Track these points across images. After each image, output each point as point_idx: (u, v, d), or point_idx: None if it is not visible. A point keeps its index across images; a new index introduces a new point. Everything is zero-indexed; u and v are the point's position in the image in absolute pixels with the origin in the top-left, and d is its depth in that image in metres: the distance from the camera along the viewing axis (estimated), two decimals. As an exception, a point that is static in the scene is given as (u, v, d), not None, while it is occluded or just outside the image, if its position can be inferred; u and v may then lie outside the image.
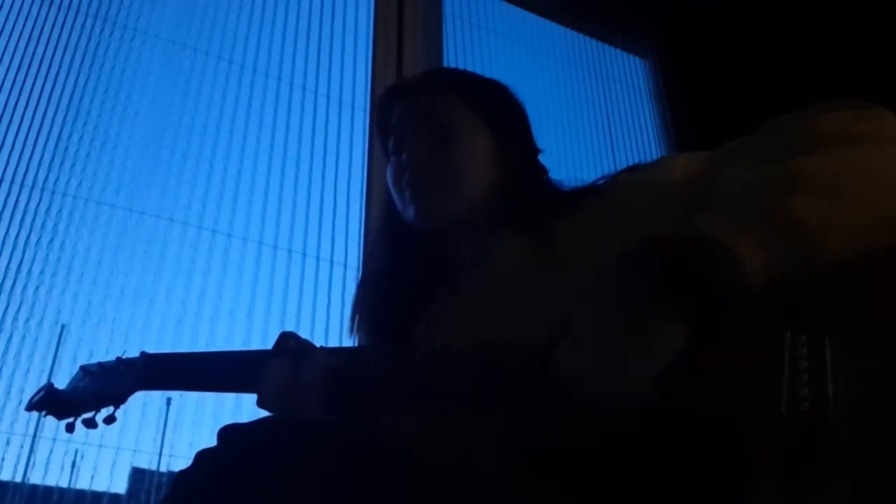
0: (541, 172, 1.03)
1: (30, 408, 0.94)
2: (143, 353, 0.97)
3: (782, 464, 0.62)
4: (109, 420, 0.93)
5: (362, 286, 1.06)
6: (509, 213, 0.96)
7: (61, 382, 0.98)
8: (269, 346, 0.94)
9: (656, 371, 0.66)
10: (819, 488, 0.60)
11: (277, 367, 0.87)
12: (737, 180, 0.72)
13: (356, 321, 1.04)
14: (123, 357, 0.97)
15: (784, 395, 0.64)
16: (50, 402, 0.94)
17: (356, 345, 1.03)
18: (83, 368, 0.99)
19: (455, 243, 1.00)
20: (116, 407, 0.93)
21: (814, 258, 0.65)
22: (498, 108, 1.03)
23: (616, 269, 0.69)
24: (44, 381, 0.98)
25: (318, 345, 0.93)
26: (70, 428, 0.93)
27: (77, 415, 0.93)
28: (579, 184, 0.99)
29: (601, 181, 0.95)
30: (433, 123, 0.99)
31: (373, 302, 1.03)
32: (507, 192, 0.97)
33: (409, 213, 0.98)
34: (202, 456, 0.73)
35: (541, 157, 1.05)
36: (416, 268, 1.02)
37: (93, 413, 0.93)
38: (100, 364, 0.99)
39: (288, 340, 0.91)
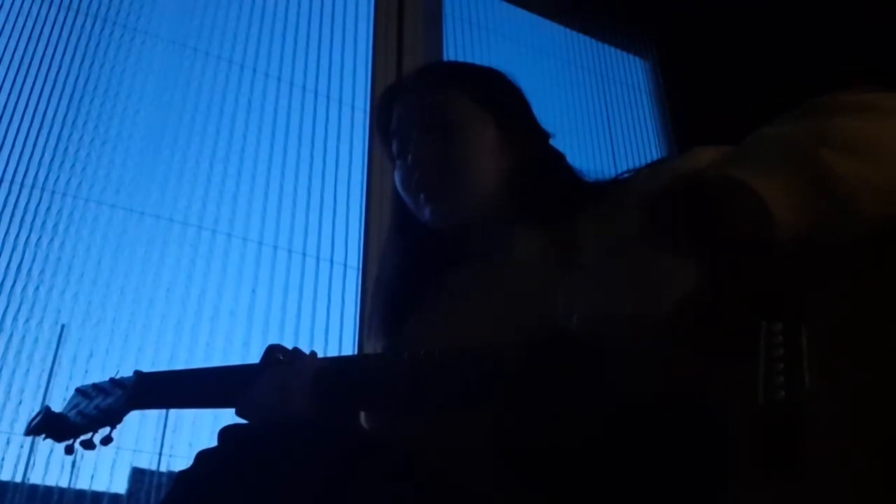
0: (556, 158, 1.01)
1: (28, 432, 0.95)
2: (136, 373, 0.97)
3: (760, 453, 0.61)
4: (107, 441, 0.94)
5: (377, 290, 1.06)
6: (525, 205, 0.94)
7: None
8: (266, 347, 0.94)
9: (664, 307, 0.65)
10: (796, 477, 0.60)
11: (266, 378, 0.88)
12: (768, 136, 0.71)
13: (372, 325, 1.03)
14: (117, 377, 0.98)
15: (760, 384, 0.63)
16: (48, 425, 0.94)
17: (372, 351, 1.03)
18: (78, 390, 1.00)
19: (471, 238, 0.98)
20: (113, 427, 0.94)
21: (846, 212, 0.63)
22: (500, 97, 1.01)
23: (636, 207, 0.69)
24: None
25: (312, 348, 0.94)
26: (69, 450, 0.94)
27: (75, 437, 0.94)
28: (600, 177, 0.98)
29: (625, 174, 0.94)
30: (437, 121, 0.97)
31: (388, 304, 1.02)
32: (520, 183, 0.96)
33: (425, 214, 0.96)
34: (203, 456, 0.73)
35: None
36: (432, 267, 1.01)
37: (90, 434, 0.94)
38: (94, 385, 0.99)
39: (275, 353, 0.91)
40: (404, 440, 0.86)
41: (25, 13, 1.80)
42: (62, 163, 1.70)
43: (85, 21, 1.89)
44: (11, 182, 1.62)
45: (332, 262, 1.94)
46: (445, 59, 2.37)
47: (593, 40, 2.92)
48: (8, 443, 1.41)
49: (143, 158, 1.84)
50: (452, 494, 0.79)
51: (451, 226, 0.97)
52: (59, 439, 0.95)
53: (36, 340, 1.51)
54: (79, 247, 1.65)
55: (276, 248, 1.89)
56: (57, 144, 1.72)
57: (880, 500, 0.58)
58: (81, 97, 1.80)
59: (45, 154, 1.69)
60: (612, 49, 2.96)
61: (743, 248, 0.65)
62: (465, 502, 0.79)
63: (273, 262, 1.87)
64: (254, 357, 0.94)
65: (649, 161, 1.06)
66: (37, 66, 1.77)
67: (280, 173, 1.99)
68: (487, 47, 2.57)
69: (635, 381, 0.72)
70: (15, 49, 1.75)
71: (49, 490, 1.43)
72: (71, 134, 1.75)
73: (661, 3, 2.83)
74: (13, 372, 1.46)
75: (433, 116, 0.98)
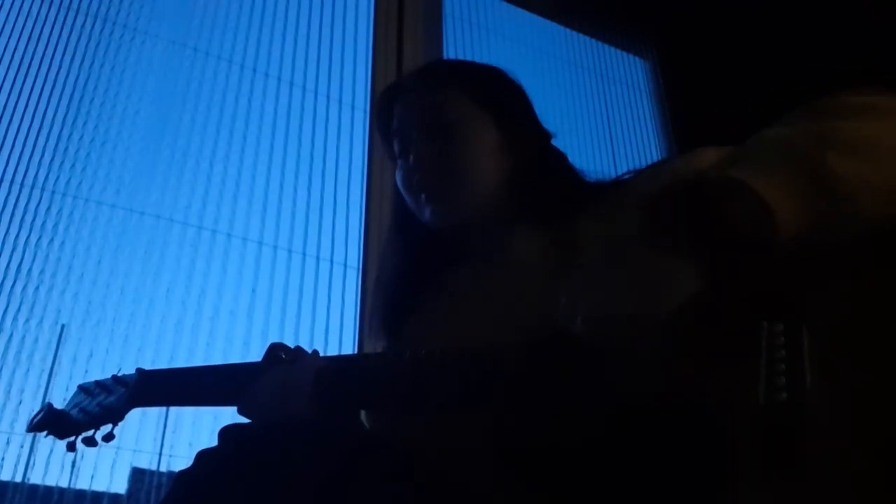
0: (558, 158, 1.01)
1: (30, 429, 0.95)
2: (138, 370, 0.97)
3: (760, 453, 0.61)
4: (108, 438, 0.93)
5: (377, 290, 1.06)
6: (525, 205, 0.94)
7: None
8: (268, 346, 0.94)
9: (664, 307, 0.65)
10: (796, 477, 0.59)
11: (267, 376, 0.87)
12: (768, 138, 0.71)
13: (373, 325, 1.03)
14: (119, 374, 0.98)
15: (761, 385, 0.63)
16: (50, 422, 0.94)
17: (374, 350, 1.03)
18: (80, 387, 1.00)
19: (471, 238, 0.98)
20: (115, 424, 0.94)
21: (846, 213, 0.64)
22: (500, 97, 1.01)
23: (637, 207, 0.69)
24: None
25: (312, 348, 0.93)
26: (71, 447, 0.94)
27: (77, 434, 0.94)
28: (601, 178, 0.98)
29: (626, 175, 0.94)
30: (437, 122, 0.97)
31: (388, 304, 1.02)
32: (520, 183, 0.96)
33: (426, 214, 0.96)
34: (203, 456, 0.73)
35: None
36: (433, 265, 1.01)
37: (92, 431, 0.94)
38: (96, 382, 1.00)
39: (277, 351, 0.91)
40: (404, 440, 0.86)
41: (25, 13, 1.80)
42: (62, 163, 1.71)
43: (85, 21, 1.89)
44: (11, 182, 1.62)
45: (332, 262, 1.95)
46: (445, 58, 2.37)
47: (593, 40, 2.92)
48: (8, 443, 1.41)
49: (143, 158, 1.84)
50: (452, 494, 0.79)
51: (452, 226, 0.97)
52: (61, 436, 0.94)
53: (36, 340, 1.51)
54: (79, 247, 1.65)
55: (276, 248, 1.89)
56: (57, 144, 1.72)
57: (880, 500, 0.58)
58: (81, 97, 1.80)
59: (45, 154, 1.69)
60: (612, 49, 2.96)
61: (743, 248, 0.65)
62: (465, 502, 0.79)
63: (273, 262, 1.87)
64: (254, 357, 0.94)
65: (649, 161, 1.06)
66: (37, 66, 1.77)
67: (280, 173, 1.99)
68: (487, 47, 2.58)
69: (635, 381, 0.72)
70: (15, 49, 1.75)
71: (49, 490, 1.43)
72: (71, 134, 1.75)
73: (661, 3, 2.83)
74: (13, 372, 1.47)
75: (433, 117, 0.98)
